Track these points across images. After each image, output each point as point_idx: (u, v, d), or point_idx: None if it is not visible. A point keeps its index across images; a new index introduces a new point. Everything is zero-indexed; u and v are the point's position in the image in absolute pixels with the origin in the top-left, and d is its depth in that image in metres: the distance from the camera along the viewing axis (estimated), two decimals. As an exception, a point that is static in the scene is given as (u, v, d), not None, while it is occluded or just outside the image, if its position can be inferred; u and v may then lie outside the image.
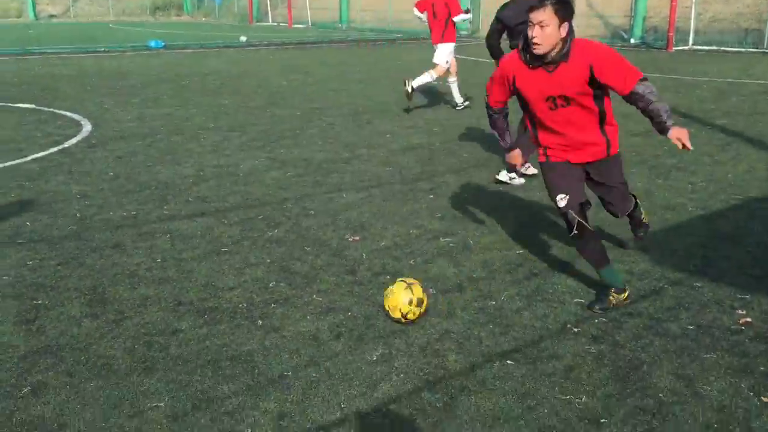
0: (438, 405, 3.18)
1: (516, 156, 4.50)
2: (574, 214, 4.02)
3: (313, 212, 5.99)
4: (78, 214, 5.92)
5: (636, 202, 4.60)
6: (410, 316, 3.92)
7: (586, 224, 4.05)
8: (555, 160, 4.12)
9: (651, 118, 3.76)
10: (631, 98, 3.77)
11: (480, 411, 3.13)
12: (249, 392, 3.29)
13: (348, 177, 7.12)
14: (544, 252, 5.05)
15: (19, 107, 11.21)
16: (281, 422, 3.07)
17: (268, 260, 4.91)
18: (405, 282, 4.00)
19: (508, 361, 3.54)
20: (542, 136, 4.13)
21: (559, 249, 5.09)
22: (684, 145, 3.64)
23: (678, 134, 3.65)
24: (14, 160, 7.79)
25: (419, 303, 3.93)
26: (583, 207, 4.07)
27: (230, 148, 8.41)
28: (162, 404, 3.19)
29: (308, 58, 19.81)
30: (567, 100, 3.88)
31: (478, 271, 4.70)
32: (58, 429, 3.04)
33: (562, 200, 4.05)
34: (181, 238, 5.37)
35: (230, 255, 5.02)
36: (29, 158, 7.87)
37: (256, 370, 3.47)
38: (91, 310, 4.13)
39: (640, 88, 3.72)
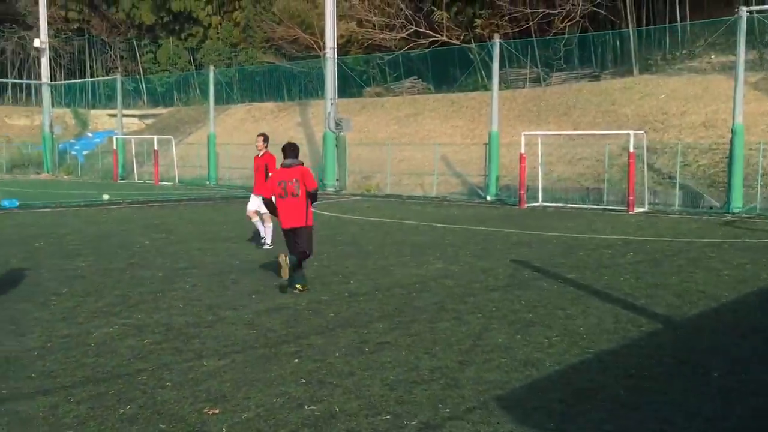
0: None
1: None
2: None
3: (170, 384, 5.65)
4: None
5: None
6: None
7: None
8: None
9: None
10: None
11: None
12: None
13: (210, 342, 6.86)
14: (414, 416, 4.99)
15: None
16: None
17: (117, 442, 4.49)
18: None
19: None
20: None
21: (430, 412, 5.05)
22: None
23: None
24: None
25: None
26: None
27: (83, 315, 7.94)
28: None
29: (173, 216, 19.59)
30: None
31: (344, 441, 4.56)
32: None
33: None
34: (20, 422, 4.87)
35: (74, 438, 4.55)
36: None
37: None
38: None
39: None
